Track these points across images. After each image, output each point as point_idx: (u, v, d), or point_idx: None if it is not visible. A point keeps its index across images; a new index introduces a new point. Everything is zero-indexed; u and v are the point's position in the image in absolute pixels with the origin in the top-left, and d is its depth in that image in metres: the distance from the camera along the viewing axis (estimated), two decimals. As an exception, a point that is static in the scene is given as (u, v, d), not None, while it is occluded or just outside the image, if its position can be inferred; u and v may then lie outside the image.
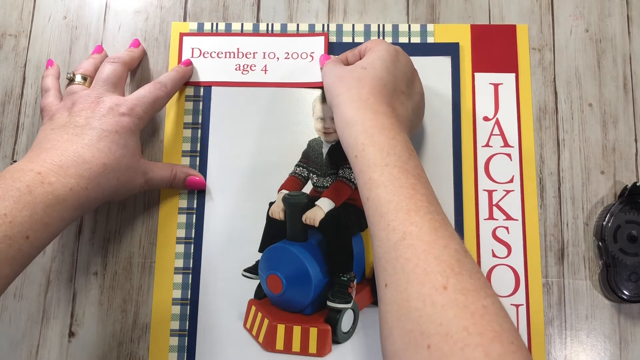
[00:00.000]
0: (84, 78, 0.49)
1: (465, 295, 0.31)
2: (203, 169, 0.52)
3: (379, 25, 0.54)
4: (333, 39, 0.54)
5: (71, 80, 0.49)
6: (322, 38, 0.54)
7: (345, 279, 0.49)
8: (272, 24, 0.55)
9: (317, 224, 0.49)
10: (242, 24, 0.55)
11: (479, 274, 0.34)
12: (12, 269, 0.38)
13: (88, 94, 0.47)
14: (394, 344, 0.33)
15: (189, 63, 0.53)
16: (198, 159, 0.52)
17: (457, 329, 0.30)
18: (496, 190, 0.51)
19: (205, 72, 0.54)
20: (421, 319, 0.32)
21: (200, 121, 0.53)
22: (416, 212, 0.35)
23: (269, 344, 0.49)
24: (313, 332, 0.48)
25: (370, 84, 0.43)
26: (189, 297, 0.50)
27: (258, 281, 0.50)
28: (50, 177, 0.40)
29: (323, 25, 0.55)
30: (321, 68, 0.52)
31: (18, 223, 0.38)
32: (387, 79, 0.44)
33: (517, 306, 0.49)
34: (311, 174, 0.52)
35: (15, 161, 0.53)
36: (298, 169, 0.52)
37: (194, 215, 0.51)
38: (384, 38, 0.54)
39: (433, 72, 0.53)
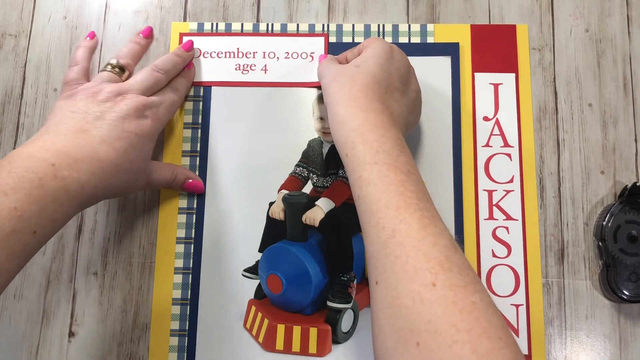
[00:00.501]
0: (122, 70, 0.48)
1: (454, 292, 0.31)
2: (203, 169, 0.52)
3: (379, 25, 0.54)
4: (333, 39, 0.54)
5: (113, 67, 0.48)
6: (322, 38, 0.54)
7: (345, 279, 0.49)
8: (272, 24, 0.55)
9: (317, 224, 0.49)
10: (242, 24, 0.55)
11: (469, 269, 0.34)
12: (16, 264, 0.37)
13: (118, 88, 0.46)
14: (385, 342, 0.33)
15: (191, 65, 0.53)
16: (198, 159, 0.52)
17: (446, 326, 0.30)
18: (496, 190, 0.51)
19: (205, 72, 0.54)
20: (411, 316, 0.32)
21: (200, 121, 0.53)
22: (405, 209, 0.35)
23: (269, 344, 0.49)
24: (313, 332, 0.48)
25: (362, 82, 0.43)
26: (189, 297, 0.50)
27: (258, 281, 0.50)
28: (64, 171, 0.39)
29: (323, 25, 0.55)
30: None
31: (27, 217, 0.37)
32: (380, 76, 0.43)
33: (517, 306, 0.49)
34: (311, 174, 0.52)
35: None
36: (298, 169, 0.52)
37: (194, 215, 0.51)
38: (384, 38, 0.54)
39: (433, 72, 0.53)
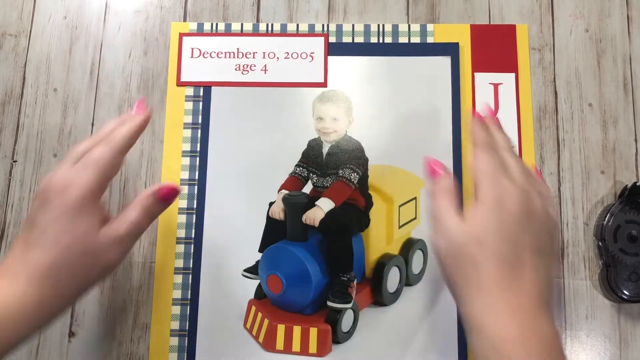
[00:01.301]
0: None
1: None
2: (203, 169, 0.52)
3: (379, 26, 0.54)
4: (333, 39, 0.54)
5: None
6: (322, 38, 0.54)
7: (345, 279, 0.49)
8: (272, 24, 0.55)
9: (317, 224, 0.49)
10: (242, 24, 0.55)
11: None
12: None
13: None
14: None
15: (144, 112, 0.41)
16: (198, 159, 0.52)
17: None
18: (496, 190, 0.51)
19: (205, 72, 0.54)
20: None
21: (200, 121, 0.53)
22: None
23: (269, 344, 0.49)
24: (313, 332, 0.48)
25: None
26: (189, 297, 0.50)
27: (258, 281, 0.50)
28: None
29: (323, 25, 0.55)
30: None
31: None
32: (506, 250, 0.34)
33: (517, 306, 0.49)
34: (311, 174, 0.52)
35: (15, 161, 0.53)
36: (298, 169, 0.52)
37: (194, 215, 0.51)
38: (383, 38, 0.54)
39: (433, 72, 0.53)
